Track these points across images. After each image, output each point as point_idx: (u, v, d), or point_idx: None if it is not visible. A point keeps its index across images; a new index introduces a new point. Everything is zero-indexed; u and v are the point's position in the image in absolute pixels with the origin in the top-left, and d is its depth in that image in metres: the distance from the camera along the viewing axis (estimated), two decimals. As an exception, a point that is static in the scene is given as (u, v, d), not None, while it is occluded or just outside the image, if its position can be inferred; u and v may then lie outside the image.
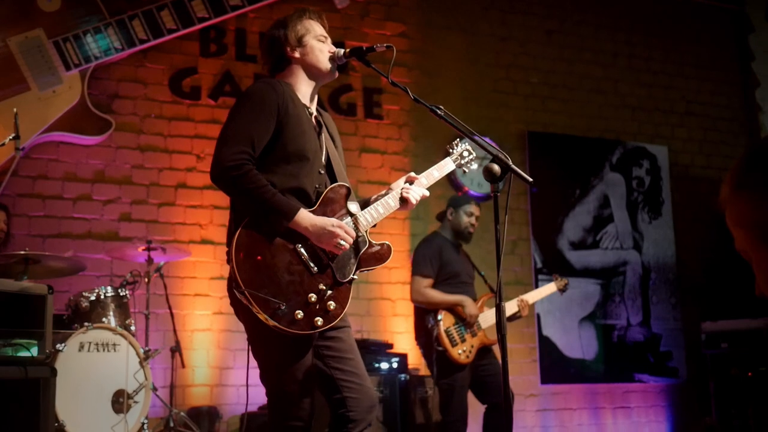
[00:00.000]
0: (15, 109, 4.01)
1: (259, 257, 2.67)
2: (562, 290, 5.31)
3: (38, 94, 5.45)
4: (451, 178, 6.61)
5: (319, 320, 2.70)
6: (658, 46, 7.78)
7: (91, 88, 5.63)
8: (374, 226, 2.94)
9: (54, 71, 5.49)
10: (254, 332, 2.75)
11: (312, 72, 2.96)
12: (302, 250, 2.72)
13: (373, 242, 2.90)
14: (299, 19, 2.99)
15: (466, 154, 3.29)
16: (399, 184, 3.05)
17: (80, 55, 5.54)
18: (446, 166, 3.21)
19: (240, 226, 2.69)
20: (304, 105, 2.92)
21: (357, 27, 6.58)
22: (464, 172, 3.29)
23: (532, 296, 5.20)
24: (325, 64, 2.95)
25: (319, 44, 2.96)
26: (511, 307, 4.92)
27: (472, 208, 5.10)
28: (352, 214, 2.87)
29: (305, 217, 2.71)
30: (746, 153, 1.35)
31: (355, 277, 2.84)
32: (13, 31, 5.46)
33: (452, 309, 4.81)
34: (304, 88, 2.96)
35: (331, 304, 2.74)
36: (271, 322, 2.62)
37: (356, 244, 2.84)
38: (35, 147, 5.49)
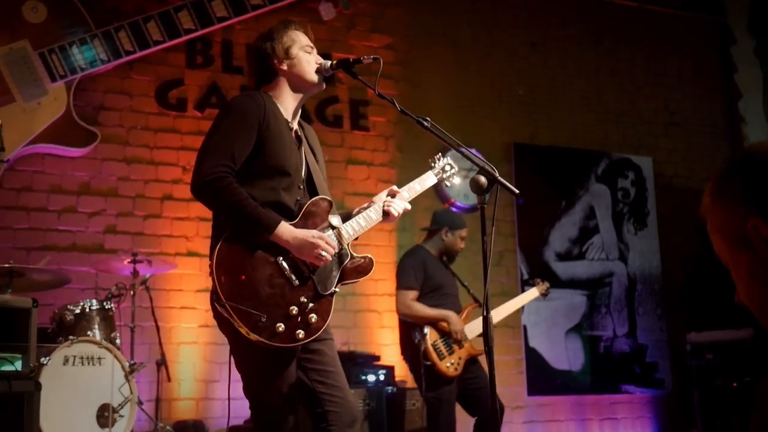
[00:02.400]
0: (-1, 121, 3.99)
1: (239, 270, 2.66)
2: (544, 294, 5.32)
3: (23, 106, 5.43)
4: (437, 190, 6.62)
5: (301, 333, 2.69)
6: (641, 57, 7.84)
7: (77, 99, 5.61)
8: (356, 238, 2.93)
9: (39, 83, 5.47)
10: (237, 345, 2.73)
11: (298, 84, 2.94)
12: (283, 262, 2.71)
13: (355, 255, 2.90)
14: (285, 31, 2.96)
15: (448, 168, 3.29)
16: (381, 197, 3.04)
17: (66, 67, 5.52)
18: (427, 179, 3.21)
19: (221, 239, 2.68)
20: (286, 120, 2.90)
21: (343, 39, 6.59)
22: (446, 185, 3.29)
23: (515, 303, 5.21)
24: (312, 75, 2.93)
25: (306, 55, 2.94)
26: (532, 293, 5.26)
27: (466, 232, 5.09)
28: (333, 227, 2.86)
29: (286, 229, 2.69)
30: (725, 162, 1.37)
31: (336, 289, 2.83)
32: (-3, 43, 5.44)
33: (437, 324, 4.80)
34: (288, 102, 2.93)
35: (313, 317, 2.72)
36: (253, 336, 2.60)
37: (338, 257, 2.83)
38: (20, 159, 5.46)
